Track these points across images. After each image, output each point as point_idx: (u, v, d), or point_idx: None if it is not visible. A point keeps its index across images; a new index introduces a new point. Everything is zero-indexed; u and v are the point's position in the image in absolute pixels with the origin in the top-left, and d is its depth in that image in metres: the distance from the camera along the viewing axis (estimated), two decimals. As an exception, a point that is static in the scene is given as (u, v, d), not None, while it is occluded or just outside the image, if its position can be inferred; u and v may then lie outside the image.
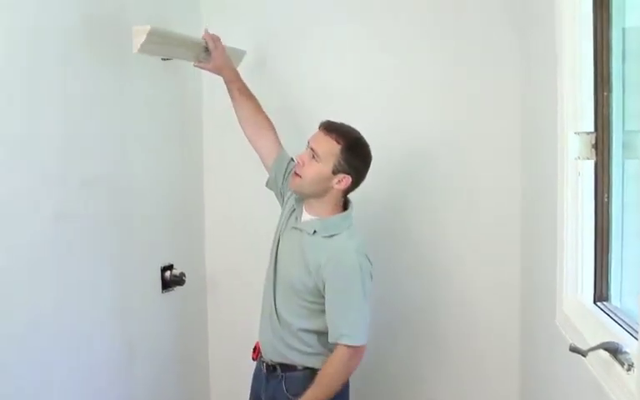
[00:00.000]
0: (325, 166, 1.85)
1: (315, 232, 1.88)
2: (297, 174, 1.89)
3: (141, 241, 2.19)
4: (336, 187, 1.87)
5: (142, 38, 1.78)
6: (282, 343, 1.91)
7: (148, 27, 1.78)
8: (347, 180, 1.87)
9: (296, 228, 1.93)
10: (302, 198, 1.97)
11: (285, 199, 2.07)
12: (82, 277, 1.85)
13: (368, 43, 2.52)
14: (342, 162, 1.84)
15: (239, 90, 2.11)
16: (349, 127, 1.90)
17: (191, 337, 2.59)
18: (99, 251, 1.94)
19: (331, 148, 1.84)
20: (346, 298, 1.82)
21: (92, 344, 1.90)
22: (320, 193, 1.89)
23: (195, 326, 2.62)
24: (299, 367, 1.90)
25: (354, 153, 1.87)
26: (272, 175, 2.09)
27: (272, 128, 2.11)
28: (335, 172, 1.85)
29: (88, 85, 1.87)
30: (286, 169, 2.07)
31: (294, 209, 2.00)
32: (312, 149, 1.86)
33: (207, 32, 2.07)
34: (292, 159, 2.07)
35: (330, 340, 1.82)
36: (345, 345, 1.80)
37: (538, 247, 2.08)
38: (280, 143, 2.10)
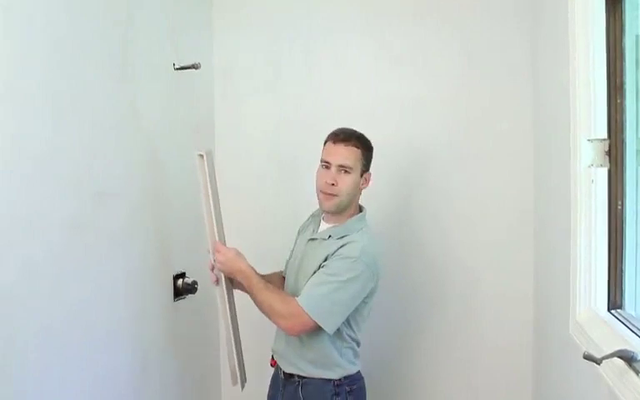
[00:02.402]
0: (355, 174, 1.90)
1: (330, 236, 1.91)
2: (332, 195, 1.89)
3: (153, 249, 2.20)
4: (362, 187, 1.94)
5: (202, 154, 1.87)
6: (297, 355, 1.92)
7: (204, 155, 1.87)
8: (369, 176, 1.94)
9: (312, 239, 1.96)
10: (319, 213, 2.01)
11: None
12: (96, 285, 1.85)
13: (378, 54, 2.53)
14: (365, 164, 1.92)
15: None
16: (352, 129, 1.94)
17: (203, 345, 2.59)
18: (113, 260, 1.95)
19: (356, 156, 1.90)
20: (328, 276, 1.81)
21: (106, 352, 1.91)
22: (353, 200, 1.93)
23: (207, 334, 2.62)
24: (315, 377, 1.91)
25: (369, 150, 1.94)
26: None
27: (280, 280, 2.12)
28: (362, 175, 1.92)
29: (102, 98, 1.89)
30: None
31: (310, 224, 2.05)
32: (341, 166, 1.88)
33: None
34: None
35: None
36: (299, 304, 1.78)
37: (552, 254, 2.07)
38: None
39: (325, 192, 1.90)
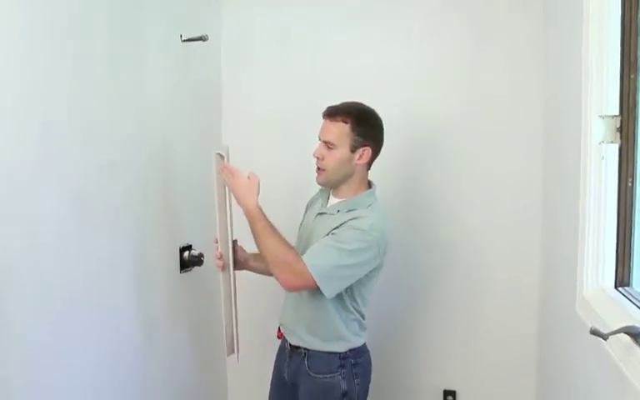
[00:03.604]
0: (342, 149, 1.86)
1: (338, 211, 1.90)
2: (320, 169, 1.91)
3: (159, 221, 2.20)
4: (359, 162, 1.89)
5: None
6: (303, 328, 1.93)
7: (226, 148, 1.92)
8: (367, 151, 1.89)
9: (321, 213, 1.96)
10: (327, 187, 1.99)
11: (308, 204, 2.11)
12: (101, 258, 1.86)
13: (388, 29, 2.51)
14: (356, 138, 1.87)
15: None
16: (350, 103, 1.91)
17: (209, 317, 2.60)
18: (118, 232, 1.95)
19: (341, 131, 1.86)
20: (336, 242, 1.80)
21: (111, 324, 1.92)
22: (347, 176, 1.91)
23: (213, 306, 2.62)
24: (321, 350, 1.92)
25: (364, 124, 1.88)
26: None
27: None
28: (354, 150, 1.87)
29: (106, 67, 1.87)
30: None
31: (319, 198, 2.04)
32: (324, 142, 1.88)
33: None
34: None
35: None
36: (303, 262, 1.78)
37: (559, 231, 2.06)
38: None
39: (316, 166, 1.92)
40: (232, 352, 2.04)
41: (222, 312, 2.01)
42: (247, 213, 1.84)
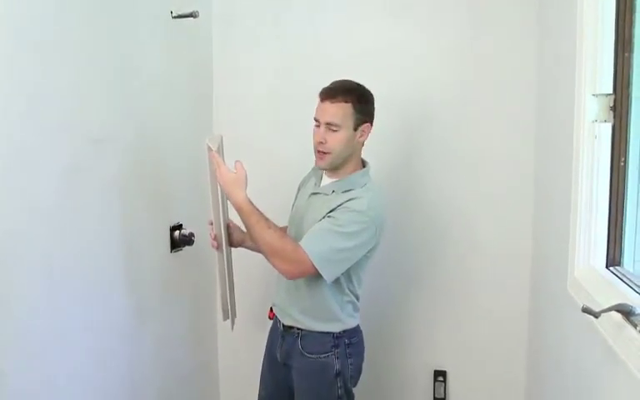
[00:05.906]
0: (346, 130, 1.84)
1: (333, 191, 1.88)
2: (323, 153, 1.86)
3: (150, 200, 2.18)
4: (360, 140, 1.89)
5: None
6: (298, 308, 1.92)
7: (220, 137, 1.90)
8: (367, 128, 1.89)
9: (315, 193, 1.94)
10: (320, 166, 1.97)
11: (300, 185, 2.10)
12: (91, 237, 1.83)
13: (387, 6, 2.48)
14: (358, 116, 1.85)
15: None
16: (344, 81, 1.88)
17: (199, 297, 2.60)
18: (108, 209, 1.92)
19: (344, 112, 1.84)
20: (333, 225, 1.78)
21: (101, 303, 1.89)
22: (350, 156, 1.89)
23: (203, 286, 2.62)
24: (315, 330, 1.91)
25: (363, 101, 1.87)
26: None
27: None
28: (356, 129, 1.86)
29: (95, 44, 1.84)
30: None
31: (312, 177, 2.02)
32: (327, 124, 1.84)
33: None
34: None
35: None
36: (302, 249, 1.76)
37: (552, 210, 2.06)
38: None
39: (317, 151, 1.88)
40: (227, 317, 2.06)
41: (217, 284, 2.02)
42: (237, 208, 1.81)
